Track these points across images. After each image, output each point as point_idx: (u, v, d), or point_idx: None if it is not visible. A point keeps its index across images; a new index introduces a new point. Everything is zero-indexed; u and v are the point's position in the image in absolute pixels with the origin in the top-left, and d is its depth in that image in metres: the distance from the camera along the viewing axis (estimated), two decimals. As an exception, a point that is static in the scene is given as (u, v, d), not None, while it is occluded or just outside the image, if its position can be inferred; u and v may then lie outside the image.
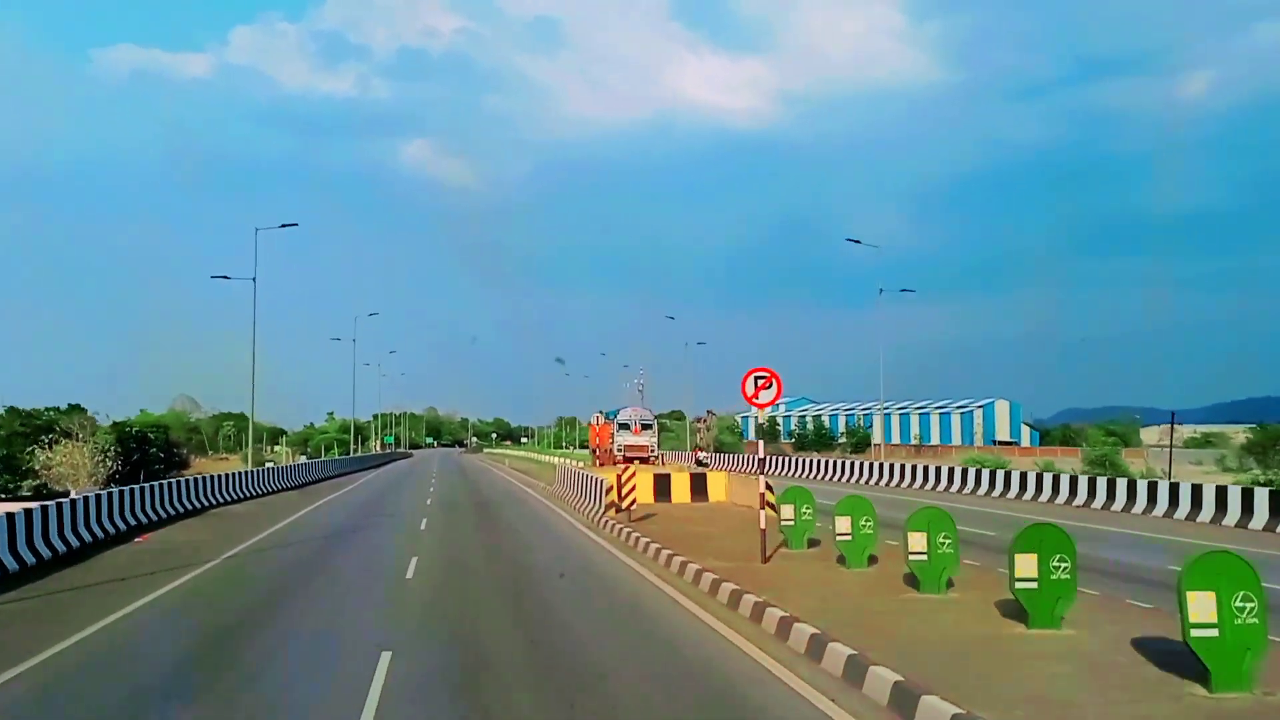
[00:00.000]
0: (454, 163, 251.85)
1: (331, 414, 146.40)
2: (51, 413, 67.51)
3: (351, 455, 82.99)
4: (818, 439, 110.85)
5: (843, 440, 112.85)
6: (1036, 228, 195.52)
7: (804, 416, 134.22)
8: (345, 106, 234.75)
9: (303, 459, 61.86)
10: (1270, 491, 23.54)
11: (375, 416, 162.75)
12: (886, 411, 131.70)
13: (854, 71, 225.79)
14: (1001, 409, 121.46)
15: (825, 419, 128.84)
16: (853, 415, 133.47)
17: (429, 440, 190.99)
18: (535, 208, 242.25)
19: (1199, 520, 24.55)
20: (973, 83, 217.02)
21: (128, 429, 73.62)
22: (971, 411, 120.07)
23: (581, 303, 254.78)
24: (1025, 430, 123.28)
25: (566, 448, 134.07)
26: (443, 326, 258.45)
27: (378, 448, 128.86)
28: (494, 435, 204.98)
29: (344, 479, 48.91)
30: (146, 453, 73.17)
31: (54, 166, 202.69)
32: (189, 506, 27.29)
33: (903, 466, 42.29)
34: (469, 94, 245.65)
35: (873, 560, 15.60)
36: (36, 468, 47.32)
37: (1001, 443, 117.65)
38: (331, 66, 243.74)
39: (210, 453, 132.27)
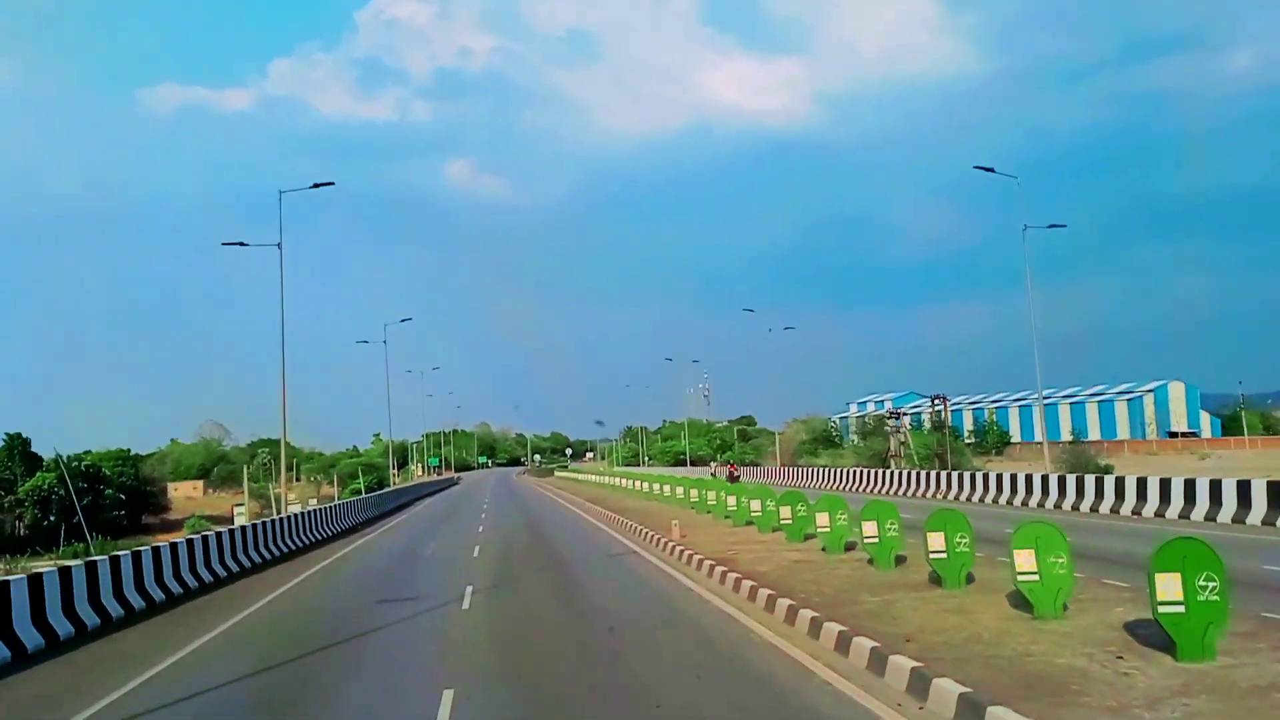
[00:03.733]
0: (495, 180, 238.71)
1: (378, 435, 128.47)
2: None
3: (377, 491, 63.96)
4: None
5: (969, 440, 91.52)
6: (1097, 213, 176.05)
7: (917, 413, 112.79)
8: (386, 130, 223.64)
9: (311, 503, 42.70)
10: None
11: (425, 436, 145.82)
12: (1023, 402, 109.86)
13: (892, 66, 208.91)
14: (1176, 392, 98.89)
15: (946, 415, 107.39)
16: (980, 409, 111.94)
17: (482, 460, 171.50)
18: (578, 219, 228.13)
19: None
20: (1014, 70, 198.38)
21: (77, 464, 55.59)
22: (1140, 397, 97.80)
23: (631, 311, 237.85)
24: (1205, 418, 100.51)
25: (648, 464, 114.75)
26: (493, 343, 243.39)
27: (418, 473, 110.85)
28: (567, 451, 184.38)
29: (301, 561, 23.56)
30: (101, 494, 55.35)
31: (103, 203, 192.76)
32: None
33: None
34: (508, 111, 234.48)
35: None
36: None
37: (1180, 434, 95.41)
38: (370, 92, 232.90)
39: (233, 486, 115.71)
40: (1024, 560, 10.74)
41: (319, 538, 29.58)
